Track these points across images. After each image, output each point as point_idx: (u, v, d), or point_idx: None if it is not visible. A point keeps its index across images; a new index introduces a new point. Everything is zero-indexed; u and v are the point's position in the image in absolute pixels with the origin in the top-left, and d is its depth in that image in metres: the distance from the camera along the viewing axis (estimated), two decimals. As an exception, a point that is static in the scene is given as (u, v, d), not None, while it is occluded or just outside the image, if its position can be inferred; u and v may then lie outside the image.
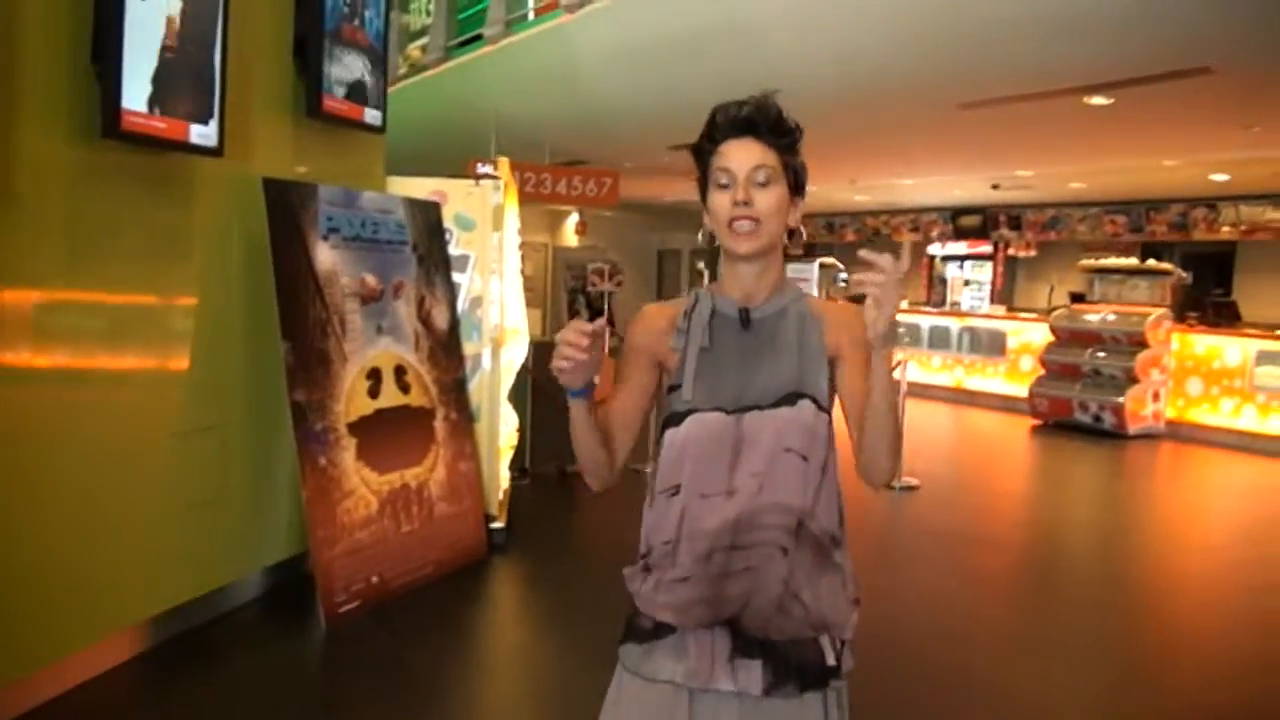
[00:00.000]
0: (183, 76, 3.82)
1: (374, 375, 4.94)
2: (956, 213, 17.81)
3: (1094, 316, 11.34)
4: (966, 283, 16.67)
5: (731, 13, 6.84)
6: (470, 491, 5.49)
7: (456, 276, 5.70)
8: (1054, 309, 12.46)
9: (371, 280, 4.99)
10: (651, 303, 1.93)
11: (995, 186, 14.37)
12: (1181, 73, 6.54)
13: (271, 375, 4.51)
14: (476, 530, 5.51)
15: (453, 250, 5.71)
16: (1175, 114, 8.00)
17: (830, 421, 1.75)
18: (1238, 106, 7.64)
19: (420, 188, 5.70)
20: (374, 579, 4.72)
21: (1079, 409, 10.93)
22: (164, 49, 3.69)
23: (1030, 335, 12.46)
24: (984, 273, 18.10)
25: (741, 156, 1.73)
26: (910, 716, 3.80)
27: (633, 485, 7.83)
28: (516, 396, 6.07)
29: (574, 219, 18.72)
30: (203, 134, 3.92)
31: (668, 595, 1.73)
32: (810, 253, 18.12)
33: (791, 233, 1.79)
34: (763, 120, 1.74)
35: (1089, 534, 7.10)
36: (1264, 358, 10.12)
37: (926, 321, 14.04)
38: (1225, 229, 14.17)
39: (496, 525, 5.76)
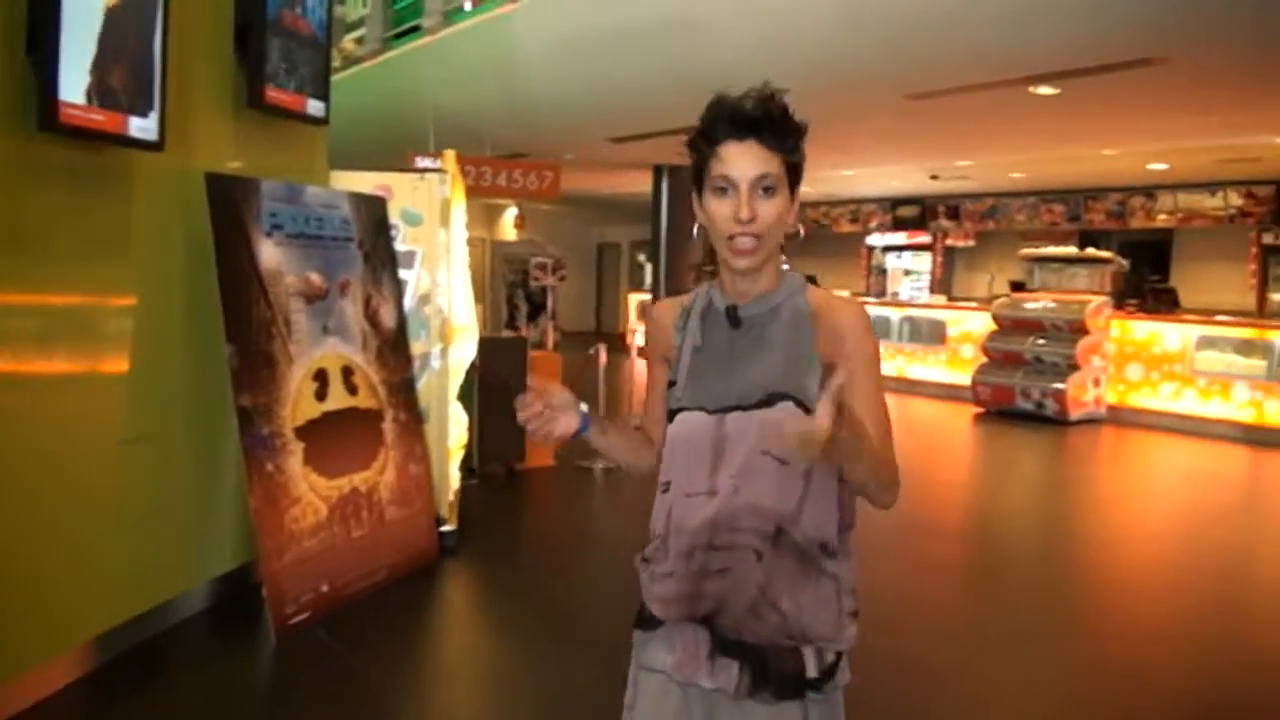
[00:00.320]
0: (122, 67, 3.63)
1: (320, 377, 4.78)
2: (895, 203, 17.95)
3: (1035, 305, 11.48)
4: (907, 273, 16.79)
5: (674, 2, 6.76)
6: (420, 494, 5.35)
7: (403, 273, 5.54)
8: (994, 297, 12.61)
9: (316, 278, 4.82)
10: (664, 299, 1.92)
11: (934, 177, 14.50)
12: (1129, 63, 6.58)
13: (214, 379, 4.34)
14: (427, 534, 5.38)
15: (399, 246, 5.55)
16: (1121, 104, 8.08)
17: None
18: (1186, 96, 7.75)
19: (365, 182, 5.54)
20: (324, 588, 4.56)
21: (1021, 396, 11.06)
22: (102, 38, 3.51)
23: (970, 324, 12.59)
24: (923, 263, 18.25)
25: (744, 164, 1.63)
26: (860, 705, 3.75)
27: (580, 484, 7.74)
28: (464, 395, 5.94)
29: (512, 213, 18.56)
30: (142, 127, 3.73)
31: (658, 588, 1.74)
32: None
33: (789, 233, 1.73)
34: (767, 122, 1.63)
35: (1035, 520, 7.17)
36: (1204, 343, 10.34)
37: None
38: (1162, 217, 14.44)
39: (447, 528, 5.63)
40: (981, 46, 6.68)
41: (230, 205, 4.39)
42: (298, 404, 4.60)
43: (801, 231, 1.74)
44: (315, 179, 5.24)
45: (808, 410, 1.63)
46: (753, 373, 1.69)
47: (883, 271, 15.08)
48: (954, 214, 17.15)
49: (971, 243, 17.66)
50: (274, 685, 4.10)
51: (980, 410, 11.54)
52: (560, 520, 6.92)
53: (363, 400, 5.04)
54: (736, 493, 1.66)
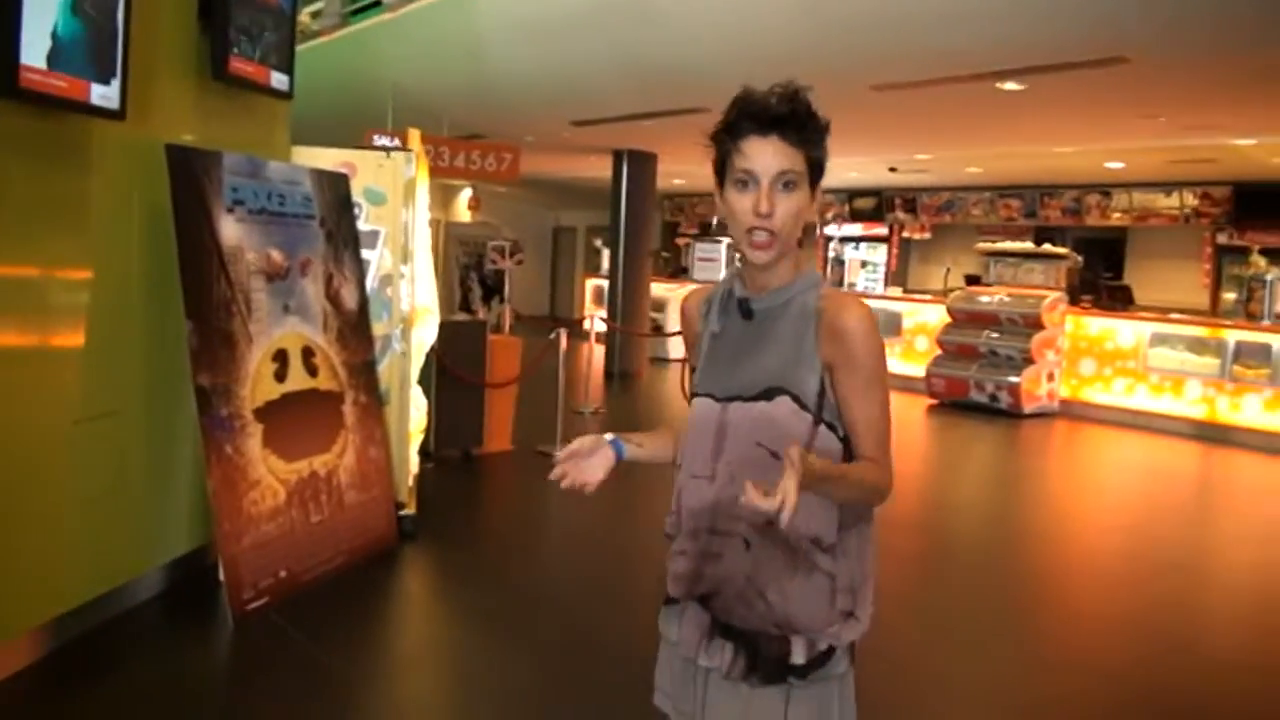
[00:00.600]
0: (86, 32, 3.49)
1: (280, 357, 4.67)
2: (852, 195, 18.00)
3: (990, 298, 11.58)
4: (864, 264, 16.85)
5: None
6: (380, 478, 5.26)
7: (366, 253, 5.44)
8: (950, 291, 12.68)
9: (278, 256, 4.71)
10: (694, 290, 1.98)
11: (893, 169, 14.53)
12: (1095, 61, 6.61)
13: (172, 357, 4.22)
14: (387, 518, 5.30)
15: (362, 226, 5.45)
16: (1085, 101, 8.13)
17: (816, 423, 1.68)
18: (1150, 95, 7.79)
19: (328, 158, 5.42)
20: (282, 573, 4.47)
21: (975, 389, 11.15)
22: (66, 1, 3.37)
23: (925, 316, 12.67)
24: (879, 255, 18.32)
25: (766, 159, 1.64)
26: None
27: (537, 469, 7.69)
28: (423, 379, 5.85)
29: (467, 194, 18.34)
30: (104, 95, 3.59)
31: (671, 565, 1.84)
32: (707, 232, 18.16)
33: (808, 226, 1.73)
34: (791, 118, 1.65)
35: (989, 512, 7.23)
36: (1158, 339, 10.49)
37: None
38: (1118, 215, 14.61)
39: (406, 512, 5.55)
40: (946, 40, 6.66)
41: (191, 178, 4.26)
42: (257, 385, 4.48)
43: (818, 224, 1.72)
44: (277, 154, 5.11)
45: (803, 406, 1.67)
46: (756, 365, 1.72)
47: (841, 262, 15.11)
48: (911, 207, 17.23)
49: (928, 236, 17.73)
50: (232, 671, 4.01)
51: (934, 402, 11.62)
52: (518, 505, 6.86)
53: (323, 382, 4.93)
54: (732, 480, 1.68)
